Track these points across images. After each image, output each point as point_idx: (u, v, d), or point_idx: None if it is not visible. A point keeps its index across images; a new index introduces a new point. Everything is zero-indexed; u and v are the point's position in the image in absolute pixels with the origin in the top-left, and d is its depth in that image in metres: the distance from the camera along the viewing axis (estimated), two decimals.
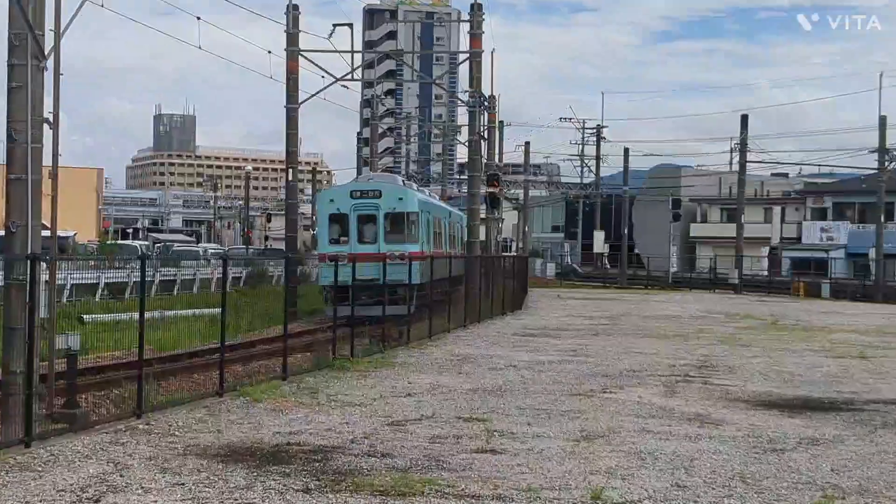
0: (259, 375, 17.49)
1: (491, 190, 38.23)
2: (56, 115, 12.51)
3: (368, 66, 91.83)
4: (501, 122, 65.98)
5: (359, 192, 29.30)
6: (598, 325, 29.54)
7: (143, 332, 12.98)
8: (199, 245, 77.93)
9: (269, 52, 34.94)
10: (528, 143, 75.55)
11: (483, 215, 45.11)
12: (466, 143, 40.67)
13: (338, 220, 29.16)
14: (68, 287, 30.11)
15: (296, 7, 33.69)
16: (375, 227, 28.92)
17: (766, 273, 65.08)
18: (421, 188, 37.45)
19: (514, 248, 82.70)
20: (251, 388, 14.71)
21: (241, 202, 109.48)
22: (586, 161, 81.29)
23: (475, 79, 34.71)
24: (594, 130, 79.90)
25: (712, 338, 25.90)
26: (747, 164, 61.35)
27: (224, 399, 14.05)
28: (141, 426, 11.85)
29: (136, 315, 13.09)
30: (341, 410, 13.36)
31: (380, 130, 69.04)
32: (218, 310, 16.17)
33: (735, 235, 59.72)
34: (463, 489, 9.06)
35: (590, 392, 15.48)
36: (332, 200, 29.63)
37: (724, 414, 13.65)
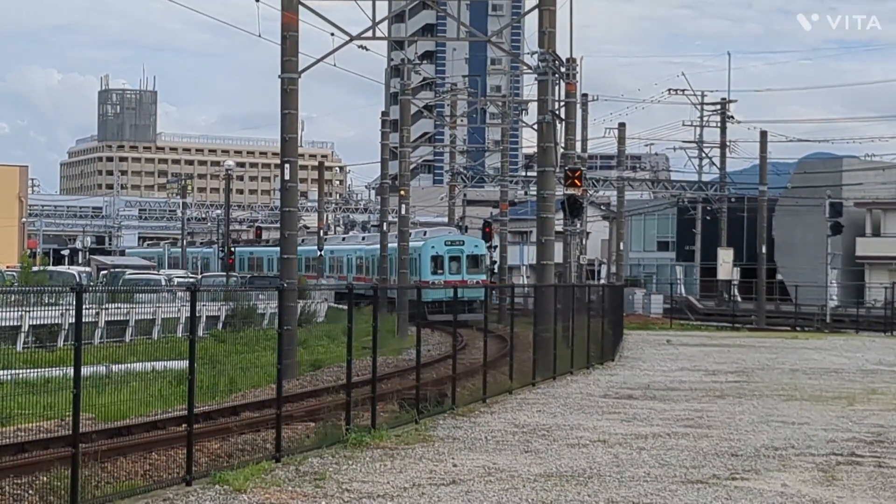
0: (243, 455, 17.61)
1: (570, 191, 38.08)
2: None
3: (398, 18, 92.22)
4: (585, 96, 65.98)
5: (450, 242, 63.65)
6: (725, 384, 29.45)
7: (80, 395, 13.06)
8: (162, 272, 78.73)
9: None
10: (622, 126, 75.27)
11: (559, 227, 45.13)
12: (535, 126, 40.57)
13: (435, 259, 62.77)
14: None
15: None
16: (459, 264, 62.54)
17: None
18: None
19: (603, 273, 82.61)
20: (232, 474, 14.80)
21: (219, 211, 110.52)
22: (706, 150, 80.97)
23: (547, 34, 34.74)
24: (717, 107, 79.58)
25: (889, 401, 25.67)
26: None
27: (193, 488, 14.14)
28: None
29: (72, 370, 13.18)
30: None
31: (414, 109, 69.17)
32: (185, 362, 16.25)
33: None
34: None
35: (712, 479, 15.44)
36: (433, 247, 63.16)
37: None
